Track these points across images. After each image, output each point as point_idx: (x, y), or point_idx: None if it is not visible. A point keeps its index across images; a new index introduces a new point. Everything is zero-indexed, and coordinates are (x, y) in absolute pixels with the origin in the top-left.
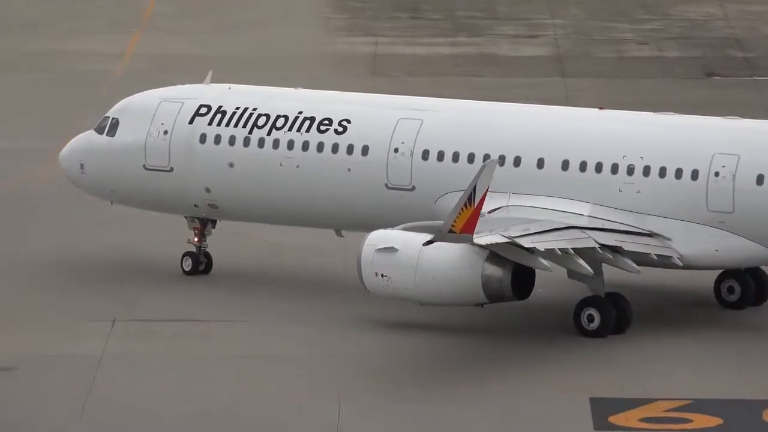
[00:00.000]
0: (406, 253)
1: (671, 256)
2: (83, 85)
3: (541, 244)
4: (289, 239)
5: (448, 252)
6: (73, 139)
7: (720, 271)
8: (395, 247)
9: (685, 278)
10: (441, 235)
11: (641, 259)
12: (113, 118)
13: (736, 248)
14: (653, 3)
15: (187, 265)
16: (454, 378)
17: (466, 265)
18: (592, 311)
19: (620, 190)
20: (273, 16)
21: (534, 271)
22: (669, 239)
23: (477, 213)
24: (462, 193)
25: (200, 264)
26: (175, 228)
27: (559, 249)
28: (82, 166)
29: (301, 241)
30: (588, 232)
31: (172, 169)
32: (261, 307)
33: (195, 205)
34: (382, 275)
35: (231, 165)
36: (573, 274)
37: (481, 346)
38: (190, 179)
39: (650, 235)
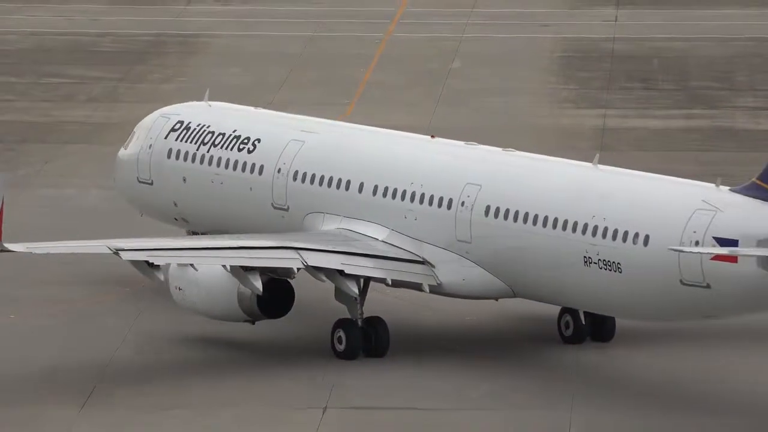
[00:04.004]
0: (192, 267)
1: (420, 283)
2: None
3: (166, 259)
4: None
5: (219, 268)
6: None
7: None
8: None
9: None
10: None
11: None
12: (133, 132)
13: (477, 278)
14: None
15: None
16: None
17: (228, 282)
18: (341, 333)
19: (405, 217)
20: (492, 86)
21: (292, 289)
22: (434, 266)
23: None
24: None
25: None
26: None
27: (189, 264)
28: (114, 179)
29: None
30: (306, 253)
31: (152, 183)
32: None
33: (175, 218)
34: (179, 288)
35: (184, 180)
36: (338, 296)
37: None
38: (163, 192)
39: (422, 262)
